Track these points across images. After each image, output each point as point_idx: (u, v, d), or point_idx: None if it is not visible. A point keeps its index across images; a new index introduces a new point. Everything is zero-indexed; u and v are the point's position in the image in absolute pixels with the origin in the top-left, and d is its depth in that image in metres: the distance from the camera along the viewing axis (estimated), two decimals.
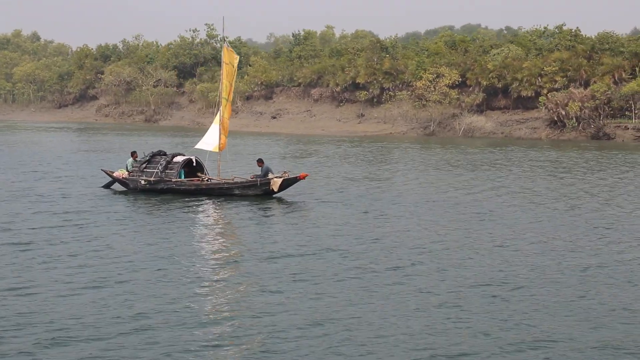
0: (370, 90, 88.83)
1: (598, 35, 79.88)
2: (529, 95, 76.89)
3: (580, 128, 69.73)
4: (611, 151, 55.06)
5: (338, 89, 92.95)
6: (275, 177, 28.49)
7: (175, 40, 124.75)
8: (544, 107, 73.31)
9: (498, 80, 78.64)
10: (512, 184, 34.82)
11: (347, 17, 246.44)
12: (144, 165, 30.39)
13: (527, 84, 76.92)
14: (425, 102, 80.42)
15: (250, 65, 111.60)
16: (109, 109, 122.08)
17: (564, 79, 74.85)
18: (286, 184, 28.69)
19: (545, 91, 75.41)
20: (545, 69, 75.98)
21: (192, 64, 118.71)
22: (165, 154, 30.95)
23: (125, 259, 18.53)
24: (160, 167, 29.88)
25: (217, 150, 30.74)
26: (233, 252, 20.18)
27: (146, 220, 24.49)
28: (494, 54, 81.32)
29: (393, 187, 33.37)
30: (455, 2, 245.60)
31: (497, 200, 29.17)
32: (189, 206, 27.47)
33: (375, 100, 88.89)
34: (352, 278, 16.84)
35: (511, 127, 75.91)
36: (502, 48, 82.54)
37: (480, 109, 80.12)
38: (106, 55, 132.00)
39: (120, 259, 18.52)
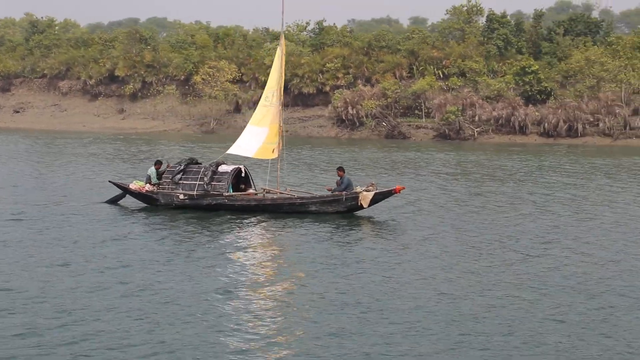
0: (132, 84, 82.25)
1: (374, 33, 79.95)
2: (311, 92, 74.98)
3: (373, 127, 68.77)
4: (444, 150, 54.58)
5: (92, 81, 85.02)
6: (364, 191, 23.34)
7: None
8: (332, 106, 71.66)
9: None
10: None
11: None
12: (179, 177, 24.27)
13: (308, 81, 74.93)
14: (198, 97, 76.01)
15: None
16: None
17: (348, 76, 73.86)
18: (378, 198, 23.62)
19: (327, 88, 74.03)
20: (327, 65, 74.49)
21: None
22: (199, 163, 25.16)
23: (183, 309, 14.86)
24: (205, 179, 23.99)
25: (268, 157, 25.47)
26: (326, 298, 15.72)
27: (204, 257, 19.20)
28: (269, 49, 78.33)
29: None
30: None
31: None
32: (251, 227, 22.35)
33: (139, 95, 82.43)
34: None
35: (295, 125, 73.41)
36: (276, 42, 79.71)
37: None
38: None
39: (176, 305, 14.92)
